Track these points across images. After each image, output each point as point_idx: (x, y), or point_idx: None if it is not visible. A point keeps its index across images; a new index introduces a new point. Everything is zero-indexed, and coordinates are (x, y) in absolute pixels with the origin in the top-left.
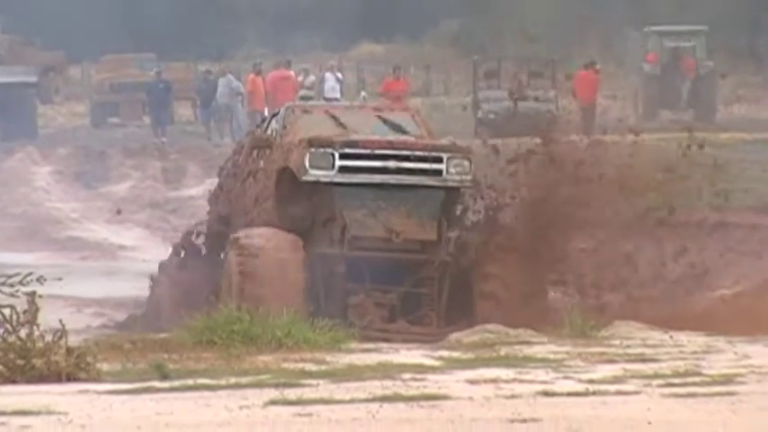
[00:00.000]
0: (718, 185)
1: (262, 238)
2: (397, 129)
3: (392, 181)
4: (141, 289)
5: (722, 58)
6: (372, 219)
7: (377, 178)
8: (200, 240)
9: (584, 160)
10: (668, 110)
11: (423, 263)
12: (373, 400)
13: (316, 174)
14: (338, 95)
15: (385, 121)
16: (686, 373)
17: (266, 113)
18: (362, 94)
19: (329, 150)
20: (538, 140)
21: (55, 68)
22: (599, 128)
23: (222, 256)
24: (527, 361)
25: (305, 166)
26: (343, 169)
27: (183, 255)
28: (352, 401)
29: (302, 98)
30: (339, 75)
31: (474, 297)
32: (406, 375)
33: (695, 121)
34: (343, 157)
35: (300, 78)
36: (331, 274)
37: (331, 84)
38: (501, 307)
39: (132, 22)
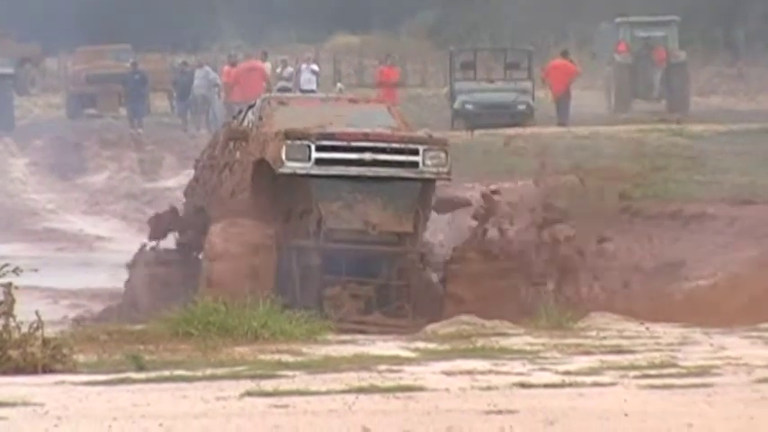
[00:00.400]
0: (695, 177)
1: (231, 239)
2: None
3: (368, 173)
4: (118, 280)
5: (697, 48)
6: (349, 211)
7: (353, 170)
8: (174, 231)
9: (559, 151)
10: (641, 100)
11: (399, 255)
12: (349, 391)
13: (292, 166)
14: (314, 87)
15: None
16: (662, 365)
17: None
18: (339, 85)
19: (305, 142)
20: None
21: (31, 60)
22: (573, 119)
23: (198, 251)
24: (503, 352)
25: (281, 159)
26: (319, 161)
27: (155, 245)
28: (328, 393)
29: (280, 90)
30: (315, 66)
31: (442, 297)
32: (383, 367)
33: (669, 112)
34: (319, 149)
35: (279, 70)
36: (307, 265)
37: (307, 75)
38: (467, 308)
39: (108, 14)
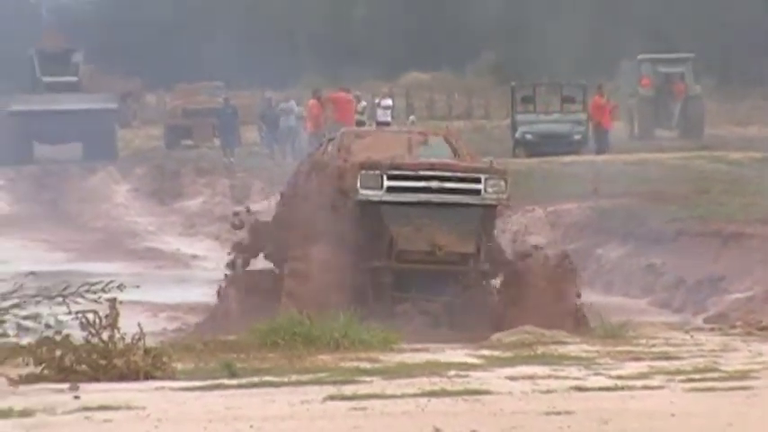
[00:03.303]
0: (735, 199)
1: (314, 261)
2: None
3: (435, 199)
4: (212, 295)
5: (711, 82)
6: (417, 234)
7: (421, 197)
8: (264, 253)
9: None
10: (662, 129)
11: (463, 273)
12: (422, 395)
13: (366, 193)
14: (389, 119)
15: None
16: (705, 370)
17: (325, 134)
18: (411, 117)
19: (378, 172)
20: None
21: (132, 95)
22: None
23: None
24: (561, 359)
25: (356, 187)
26: (390, 189)
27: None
28: (402, 396)
29: (355, 123)
30: (389, 101)
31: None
32: (452, 372)
33: (682, 140)
34: (390, 178)
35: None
36: (380, 283)
37: (382, 109)
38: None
39: (202, 54)
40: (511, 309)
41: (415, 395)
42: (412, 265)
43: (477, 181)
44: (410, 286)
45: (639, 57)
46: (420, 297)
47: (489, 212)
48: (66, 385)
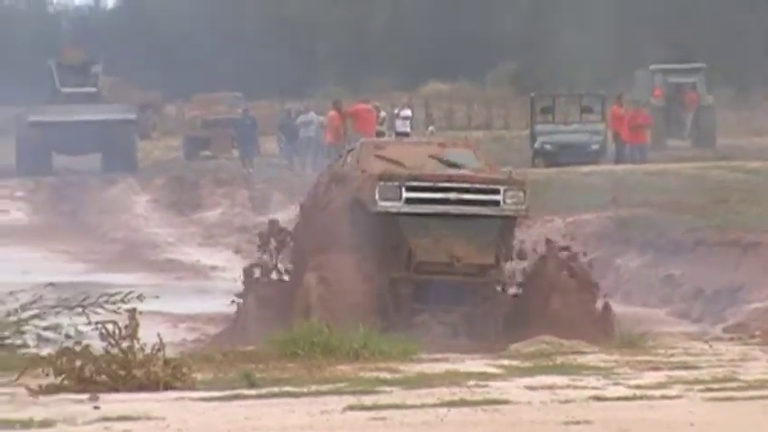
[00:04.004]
0: (753, 209)
1: (338, 270)
2: (454, 165)
3: (453, 211)
4: (231, 305)
5: (730, 92)
6: (436, 245)
7: (440, 208)
8: (283, 267)
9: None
10: (674, 139)
11: (482, 285)
12: (441, 405)
13: (385, 205)
14: (408, 130)
15: (442, 159)
16: (724, 379)
17: (345, 145)
18: (430, 128)
19: (396, 184)
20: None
21: (152, 107)
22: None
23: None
24: (580, 369)
25: (375, 198)
26: (409, 201)
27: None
28: (422, 406)
29: (375, 134)
30: (409, 112)
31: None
32: (471, 382)
33: (695, 149)
34: (409, 189)
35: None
36: (399, 295)
37: (402, 120)
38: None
39: (221, 65)
40: (531, 317)
41: (434, 405)
42: (431, 276)
43: (496, 192)
44: (429, 297)
45: (651, 67)
46: (439, 308)
47: (508, 224)
48: (85, 396)
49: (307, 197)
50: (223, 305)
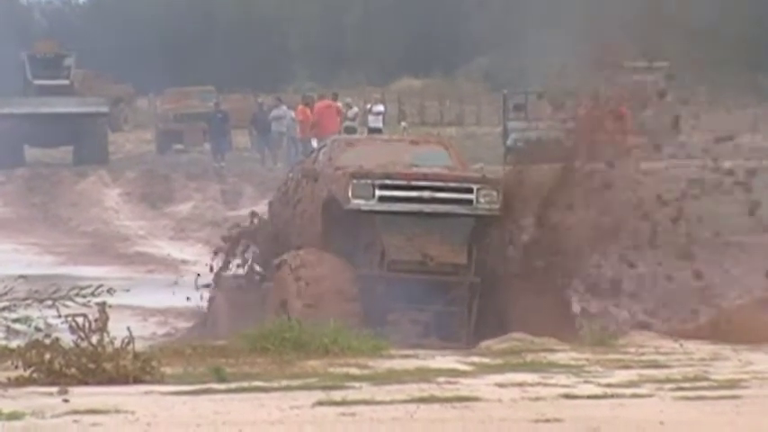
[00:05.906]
0: (733, 207)
1: (316, 262)
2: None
3: (427, 209)
4: (202, 300)
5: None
6: (409, 244)
7: (413, 207)
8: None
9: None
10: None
11: (454, 284)
12: (411, 401)
13: (358, 203)
14: (380, 125)
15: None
16: (695, 378)
17: (313, 141)
18: (403, 123)
19: (369, 181)
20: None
21: (124, 100)
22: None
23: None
24: (551, 366)
25: (348, 196)
26: (382, 199)
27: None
28: (392, 402)
29: (346, 129)
30: (381, 107)
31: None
32: (441, 379)
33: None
34: (382, 187)
35: (345, 111)
36: (371, 293)
37: (374, 115)
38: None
39: (193, 59)
40: (501, 315)
41: (404, 401)
42: (403, 274)
43: (470, 191)
44: (401, 296)
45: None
46: (411, 306)
47: (481, 223)
48: (55, 389)
49: (276, 193)
50: (193, 299)
